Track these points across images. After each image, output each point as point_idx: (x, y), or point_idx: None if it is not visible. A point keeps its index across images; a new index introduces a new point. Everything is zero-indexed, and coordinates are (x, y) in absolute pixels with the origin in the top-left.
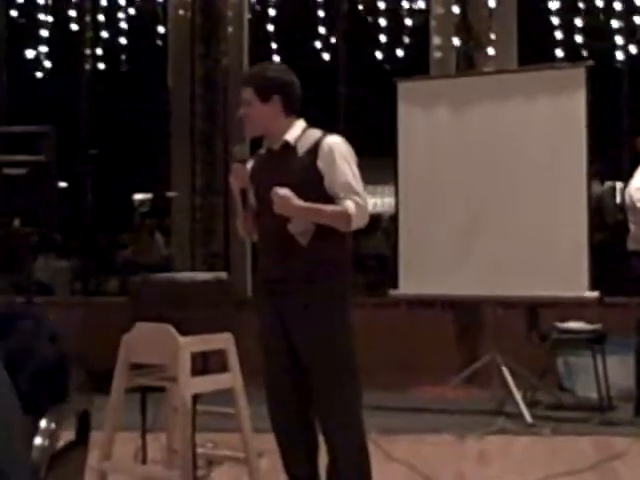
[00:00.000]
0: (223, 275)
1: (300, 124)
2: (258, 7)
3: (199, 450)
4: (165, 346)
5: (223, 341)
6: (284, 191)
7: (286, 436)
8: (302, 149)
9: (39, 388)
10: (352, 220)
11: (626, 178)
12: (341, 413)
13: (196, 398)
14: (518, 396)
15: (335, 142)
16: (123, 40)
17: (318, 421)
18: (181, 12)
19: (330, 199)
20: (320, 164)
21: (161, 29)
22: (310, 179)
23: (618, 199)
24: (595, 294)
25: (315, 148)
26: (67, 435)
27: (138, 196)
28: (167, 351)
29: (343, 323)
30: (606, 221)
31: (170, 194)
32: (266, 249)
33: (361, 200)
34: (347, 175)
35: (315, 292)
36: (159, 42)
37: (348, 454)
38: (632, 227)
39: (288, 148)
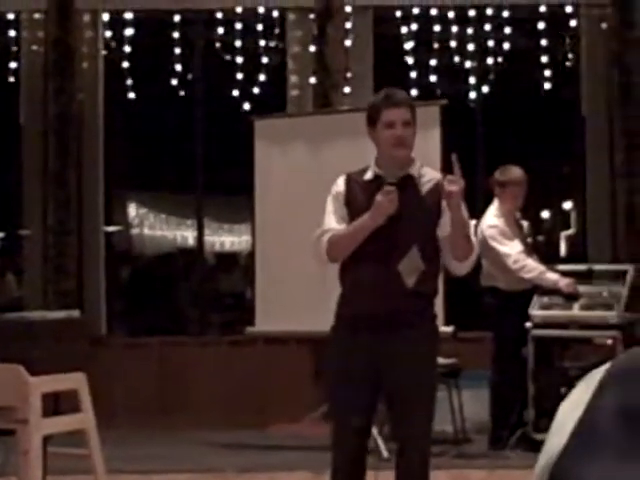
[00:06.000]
0: (76, 313)
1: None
2: (113, 43)
3: None
4: (14, 387)
5: (75, 381)
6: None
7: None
8: (425, 185)
9: None
10: None
11: (479, 216)
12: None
13: (47, 440)
14: (375, 431)
15: None
16: None
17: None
18: (34, 47)
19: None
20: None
21: (13, 64)
22: (435, 221)
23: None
24: (450, 329)
25: (438, 189)
26: None
27: None
28: (16, 392)
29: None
30: None
31: (22, 232)
32: (367, 284)
33: None
34: None
35: (419, 335)
36: (11, 78)
37: None
38: (484, 264)
39: (411, 180)
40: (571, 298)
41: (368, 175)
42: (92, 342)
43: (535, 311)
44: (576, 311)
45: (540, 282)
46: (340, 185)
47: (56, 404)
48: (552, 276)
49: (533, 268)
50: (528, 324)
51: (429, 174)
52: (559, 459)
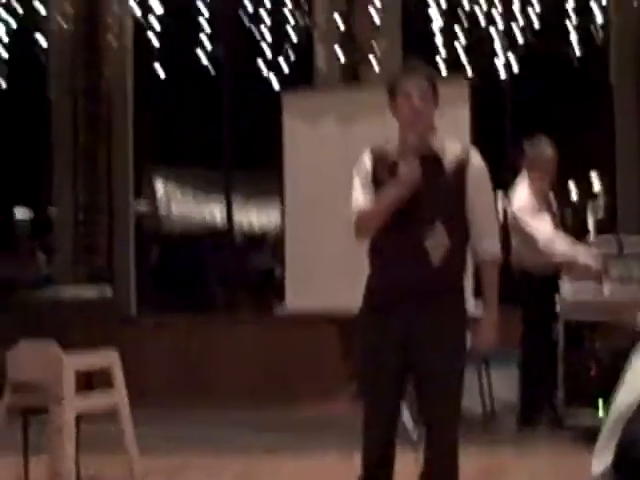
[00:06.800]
0: (107, 292)
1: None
2: (141, 18)
3: (83, 471)
4: (48, 364)
5: (109, 358)
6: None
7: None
8: (448, 159)
9: None
10: None
11: (507, 190)
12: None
13: (80, 418)
14: (405, 411)
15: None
16: (3, 52)
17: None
18: (63, 22)
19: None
20: (477, 183)
21: (42, 39)
22: (460, 196)
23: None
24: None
25: (463, 164)
26: None
27: (18, 212)
28: (51, 370)
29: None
30: None
31: (52, 209)
32: (395, 262)
33: None
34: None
35: (447, 313)
36: (40, 53)
37: None
38: (514, 244)
39: (433, 154)
40: (600, 278)
41: (391, 149)
42: (122, 321)
43: (565, 292)
44: (606, 292)
45: (570, 267)
46: (365, 161)
47: (87, 381)
48: (582, 259)
49: (562, 253)
50: (558, 305)
51: (452, 147)
52: (633, 416)
